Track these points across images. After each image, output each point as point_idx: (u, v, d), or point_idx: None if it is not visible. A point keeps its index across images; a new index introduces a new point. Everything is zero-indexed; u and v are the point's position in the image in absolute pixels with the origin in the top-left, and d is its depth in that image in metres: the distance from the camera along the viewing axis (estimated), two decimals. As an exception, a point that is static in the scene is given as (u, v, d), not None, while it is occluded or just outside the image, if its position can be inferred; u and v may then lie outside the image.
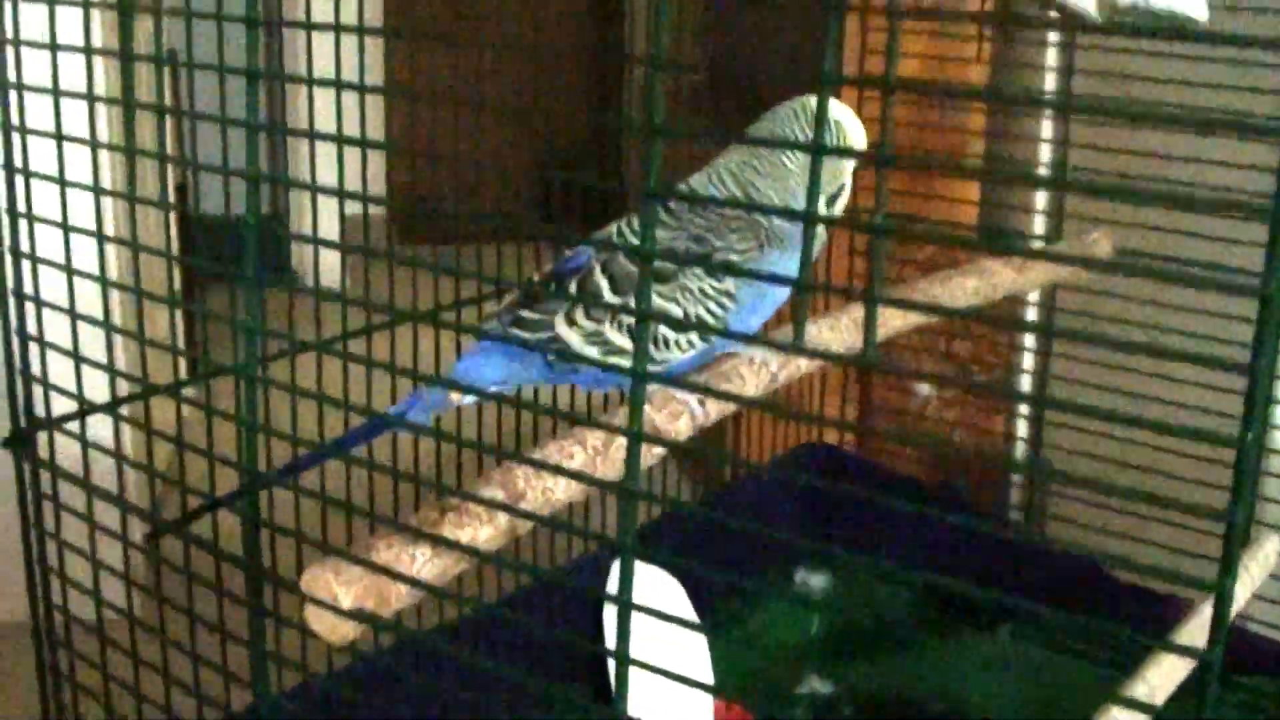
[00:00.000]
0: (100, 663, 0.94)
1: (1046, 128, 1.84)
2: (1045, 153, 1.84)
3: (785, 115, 0.99)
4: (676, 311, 0.94)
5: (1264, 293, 0.44)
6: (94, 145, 0.84)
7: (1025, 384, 1.97)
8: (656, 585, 1.29)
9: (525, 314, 0.96)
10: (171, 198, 2.56)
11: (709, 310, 0.94)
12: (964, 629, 1.38)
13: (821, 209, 0.98)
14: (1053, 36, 1.78)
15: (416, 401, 0.96)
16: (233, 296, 0.84)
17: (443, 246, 1.35)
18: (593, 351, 0.94)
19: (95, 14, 0.86)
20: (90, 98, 0.85)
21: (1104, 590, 1.38)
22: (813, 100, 0.98)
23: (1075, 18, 1.21)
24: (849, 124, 0.98)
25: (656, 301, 0.93)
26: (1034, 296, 1.92)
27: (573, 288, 0.95)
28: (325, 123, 0.99)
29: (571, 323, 0.95)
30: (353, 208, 3.62)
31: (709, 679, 1.26)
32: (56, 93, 0.85)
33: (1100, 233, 1.42)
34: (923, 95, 1.77)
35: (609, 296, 0.94)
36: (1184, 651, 0.47)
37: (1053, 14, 1.59)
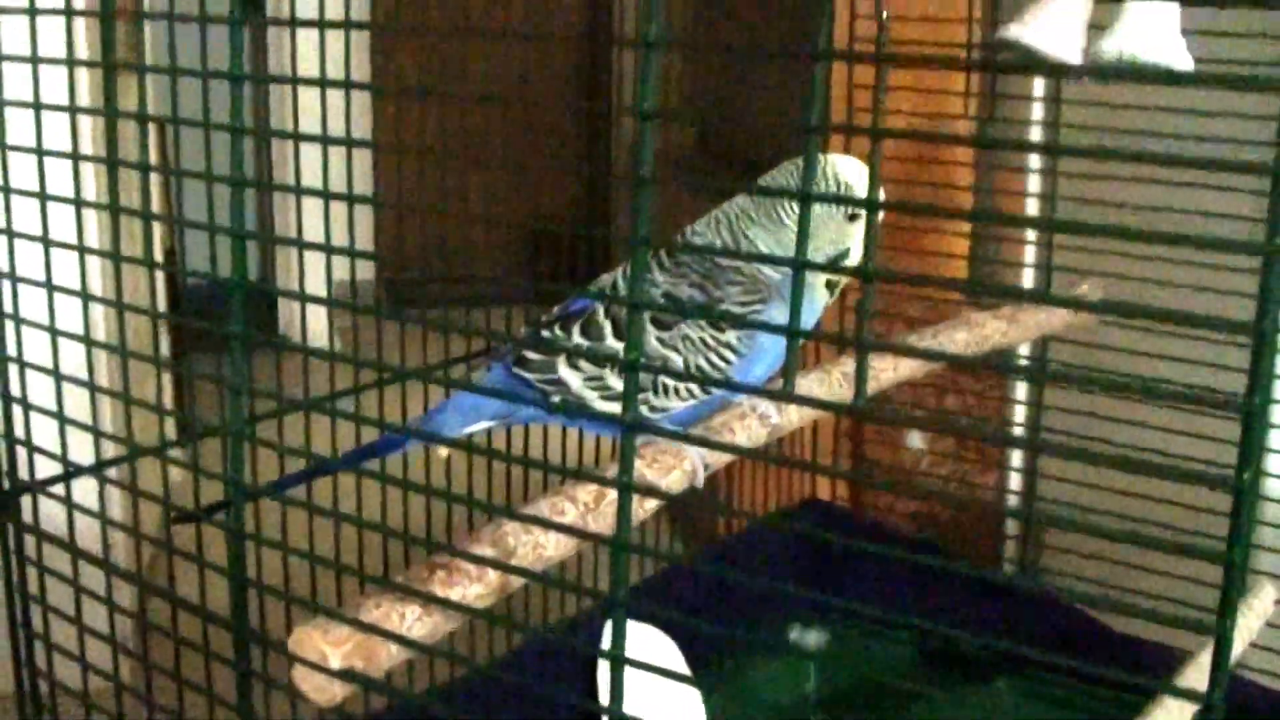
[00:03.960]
0: (85, 723, 0.93)
1: (1034, 182, 1.85)
2: (1033, 207, 1.85)
3: (789, 169, 0.98)
4: (676, 359, 0.93)
5: (1259, 326, 0.44)
6: (78, 203, 0.84)
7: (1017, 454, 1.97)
8: (651, 644, 1.28)
9: (530, 355, 0.96)
10: (159, 256, 2.56)
11: (710, 361, 0.94)
12: (960, 684, 1.37)
13: (824, 279, 0.98)
14: (1038, 90, 1.79)
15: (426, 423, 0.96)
16: (220, 363, 0.84)
17: (431, 310, 1.34)
18: (593, 395, 0.94)
19: (81, 72, 0.86)
20: (75, 156, 0.85)
21: (1100, 643, 1.37)
22: (825, 157, 0.97)
23: (1061, 69, 1.22)
24: (858, 183, 0.96)
25: (657, 349, 0.93)
26: (1024, 351, 1.92)
27: (576, 331, 0.95)
28: (312, 181, 0.99)
29: (573, 367, 0.95)
30: (340, 273, 3.63)
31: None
32: (41, 152, 0.85)
33: (1089, 284, 1.42)
34: (910, 140, 1.77)
35: (611, 341, 0.94)
36: (1186, 695, 0.46)
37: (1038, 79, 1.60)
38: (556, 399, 0.95)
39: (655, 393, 0.94)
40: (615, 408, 0.93)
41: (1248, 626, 1.16)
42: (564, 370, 0.95)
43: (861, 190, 0.96)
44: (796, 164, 0.98)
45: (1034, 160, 1.76)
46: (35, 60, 0.86)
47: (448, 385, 0.85)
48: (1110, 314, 0.42)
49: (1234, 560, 0.43)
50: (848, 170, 0.96)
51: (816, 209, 0.95)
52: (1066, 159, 1.62)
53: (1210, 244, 0.46)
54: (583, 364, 0.95)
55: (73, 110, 0.84)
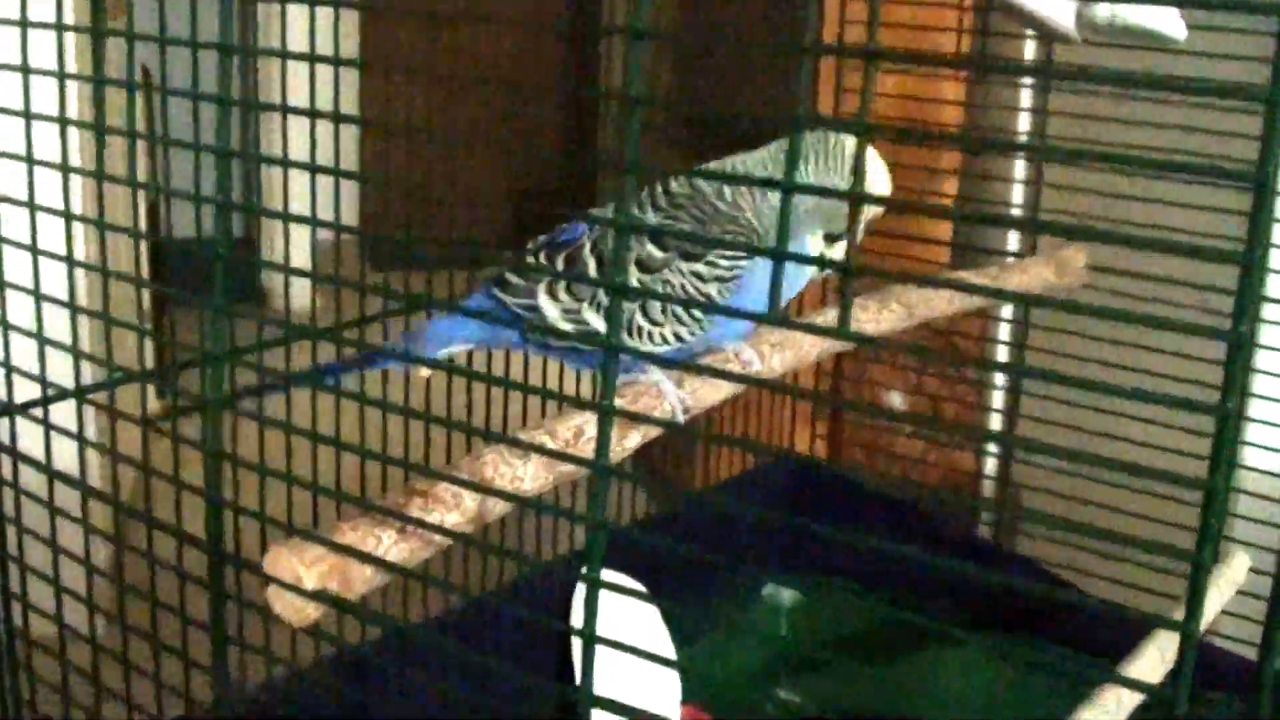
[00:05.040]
0: (58, 646, 0.93)
1: (1019, 169, 1.85)
2: (1018, 194, 1.85)
3: (813, 140, 0.96)
4: (655, 305, 0.93)
5: (1232, 337, 0.44)
6: (63, 122, 0.83)
7: (996, 422, 1.98)
8: (626, 600, 1.28)
9: (510, 278, 0.96)
10: (144, 217, 2.55)
11: (689, 313, 0.93)
12: (934, 640, 1.38)
13: (821, 246, 0.97)
14: (1026, 80, 1.79)
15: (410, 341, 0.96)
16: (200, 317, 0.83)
17: (415, 273, 1.33)
18: (567, 328, 0.93)
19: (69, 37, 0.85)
20: (63, 120, 0.84)
21: (1075, 607, 1.38)
22: (839, 139, 0.96)
23: (1051, 35, 1.22)
24: (874, 172, 0.96)
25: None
26: (1005, 334, 1.93)
27: (559, 262, 0.94)
28: (298, 153, 0.99)
29: (552, 296, 0.94)
30: (325, 233, 3.61)
31: (676, 688, 1.25)
32: (26, 70, 0.84)
33: (1074, 249, 1.42)
34: (897, 135, 1.78)
35: (593, 274, 0.93)
36: (1141, 688, 0.46)
37: (1030, 32, 1.59)
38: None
39: (631, 334, 0.94)
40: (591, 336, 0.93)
41: (1220, 594, 1.16)
42: (543, 299, 0.94)
43: (878, 176, 0.96)
44: (814, 138, 0.96)
45: (1026, 81, 1.77)
46: (25, 25, 0.85)
47: (429, 307, 0.85)
48: (1096, 315, 0.42)
49: (1202, 561, 0.43)
50: (870, 159, 0.95)
51: (831, 180, 0.95)
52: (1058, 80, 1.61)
53: (1188, 251, 0.46)
54: (562, 295, 0.94)
55: (61, 76, 0.84)
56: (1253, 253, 0.43)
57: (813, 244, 0.96)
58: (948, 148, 1.84)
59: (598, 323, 0.93)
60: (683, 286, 0.93)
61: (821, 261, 0.63)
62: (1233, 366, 0.45)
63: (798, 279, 0.98)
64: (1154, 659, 0.98)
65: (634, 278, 0.93)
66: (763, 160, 0.97)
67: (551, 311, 0.94)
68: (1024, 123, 1.85)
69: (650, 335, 0.93)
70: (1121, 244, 0.48)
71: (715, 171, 0.97)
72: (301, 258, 3.08)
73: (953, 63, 1.63)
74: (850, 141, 0.95)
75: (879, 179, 0.96)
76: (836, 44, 1.66)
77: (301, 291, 3.24)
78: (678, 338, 0.94)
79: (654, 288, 0.92)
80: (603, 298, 0.92)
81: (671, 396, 0.91)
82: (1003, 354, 1.93)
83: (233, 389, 0.86)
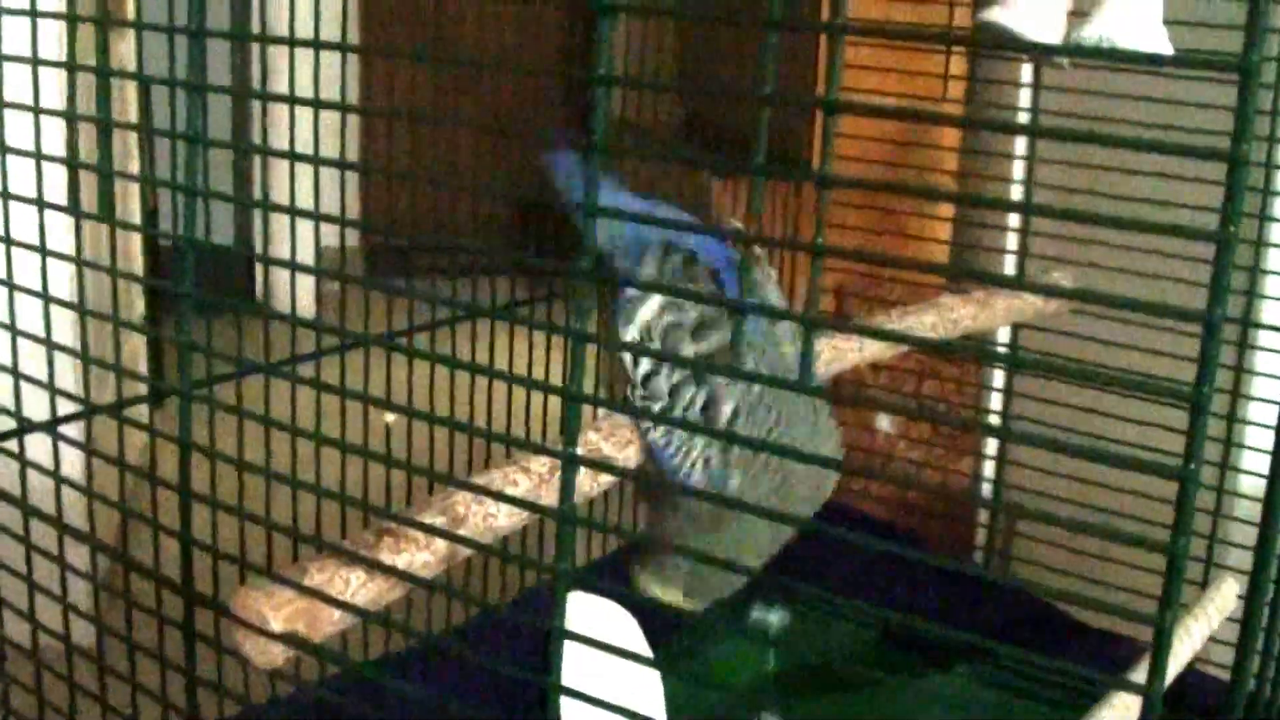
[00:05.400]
0: (35, 687, 0.92)
1: (1017, 169, 1.85)
2: (1016, 192, 1.84)
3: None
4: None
5: (1208, 319, 0.44)
6: (39, 157, 0.83)
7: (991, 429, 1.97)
8: (608, 620, 1.27)
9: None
10: (139, 227, 2.55)
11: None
12: (921, 668, 1.37)
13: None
14: (1026, 75, 1.79)
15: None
16: (210, 326, 0.83)
17: (419, 280, 1.33)
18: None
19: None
20: (69, 115, 0.84)
21: (1063, 631, 1.37)
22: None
23: (1039, 59, 1.22)
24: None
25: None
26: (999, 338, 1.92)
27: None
28: (302, 149, 0.99)
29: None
30: (328, 239, 3.59)
31: (661, 717, 1.24)
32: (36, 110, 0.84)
33: (1062, 272, 1.42)
34: (893, 121, 1.77)
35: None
36: (1127, 687, 0.46)
37: (1021, 58, 1.59)
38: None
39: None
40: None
41: (1209, 621, 1.16)
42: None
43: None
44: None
45: (1020, 146, 1.77)
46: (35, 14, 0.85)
47: (410, 355, 0.84)
48: (1074, 299, 0.42)
49: (1175, 551, 0.43)
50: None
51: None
52: (1048, 146, 1.61)
53: (1166, 230, 0.46)
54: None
55: (70, 66, 0.83)
56: (1225, 229, 0.42)
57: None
58: (938, 123, 1.82)
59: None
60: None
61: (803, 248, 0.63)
62: (1206, 352, 0.44)
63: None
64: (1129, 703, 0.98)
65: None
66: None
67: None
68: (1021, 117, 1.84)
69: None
70: (1109, 225, 0.47)
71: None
72: (306, 263, 3.06)
73: (939, 38, 1.62)
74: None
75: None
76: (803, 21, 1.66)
77: (305, 296, 3.24)
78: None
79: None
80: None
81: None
82: (998, 371, 1.93)
83: (209, 376, 0.86)
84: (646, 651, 1.30)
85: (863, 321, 1.14)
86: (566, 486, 0.56)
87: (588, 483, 0.83)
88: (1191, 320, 0.45)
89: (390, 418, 0.91)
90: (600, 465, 0.65)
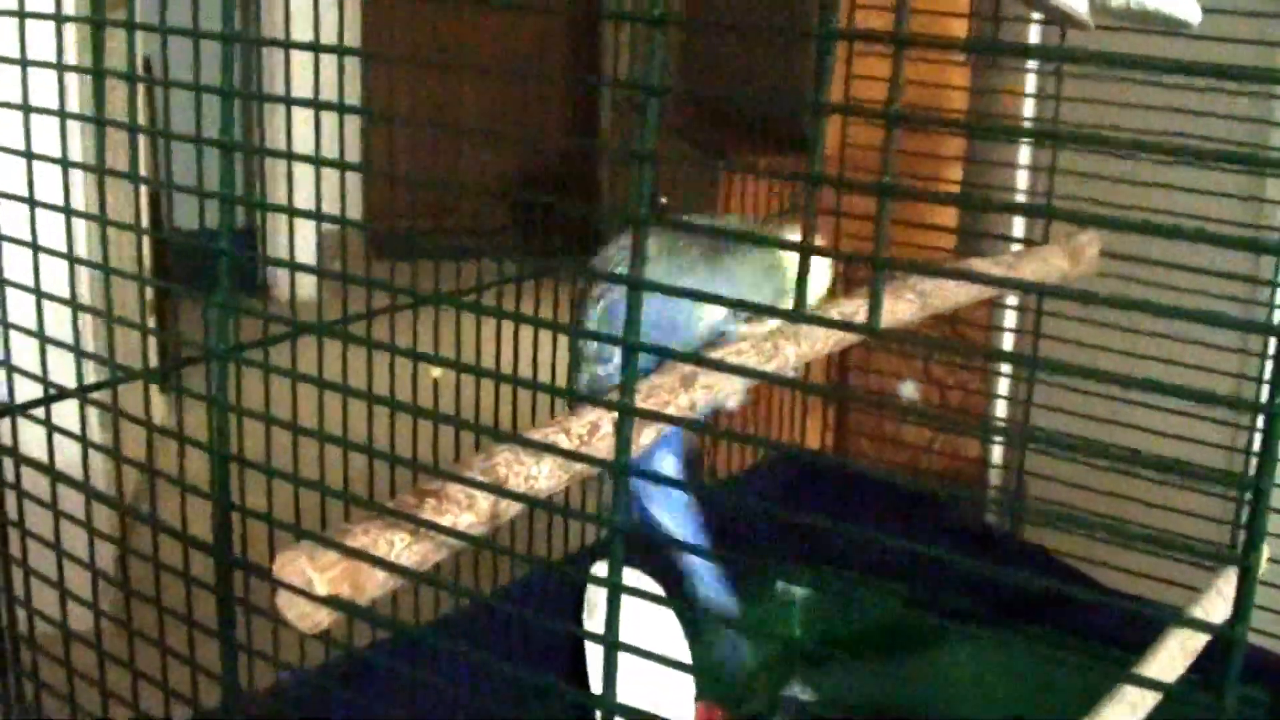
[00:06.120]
0: (64, 657, 0.91)
1: (1024, 154, 1.84)
2: (1023, 179, 1.83)
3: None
4: None
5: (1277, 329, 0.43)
6: (65, 164, 0.82)
7: (1002, 410, 1.96)
8: (637, 587, 1.27)
9: None
10: (146, 209, 2.53)
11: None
12: (947, 633, 1.36)
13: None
14: (1031, 63, 1.78)
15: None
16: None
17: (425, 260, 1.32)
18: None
19: (69, 28, 0.84)
20: (62, 114, 0.83)
21: (1094, 599, 1.36)
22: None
23: (1065, 19, 1.20)
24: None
25: None
26: (1011, 322, 1.91)
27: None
28: (302, 142, 0.98)
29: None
30: (328, 227, 3.57)
31: (690, 686, 1.23)
32: (25, 62, 0.83)
33: (1088, 236, 1.41)
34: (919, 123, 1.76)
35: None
36: (1205, 627, 0.45)
37: (1035, 15, 1.58)
38: None
39: None
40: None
41: (1216, 611, 1.14)
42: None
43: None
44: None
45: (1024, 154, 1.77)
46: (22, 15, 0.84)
47: (437, 301, 0.83)
48: (1112, 227, 0.41)
49: (1262, 486, 0.42)
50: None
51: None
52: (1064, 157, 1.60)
53: (1228, 243, 0.45)
54: None
55: (60, 68, 0.82)
56: None
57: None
58: (959, 134, 1.82)
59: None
60: None
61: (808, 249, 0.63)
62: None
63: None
64: (1174, 652, 0.96)
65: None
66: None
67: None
68: (1029, 108, 1.83)
69: None
70: (1156, 234, 0.46)
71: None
72: (306, 248, 3.04)
73: (970, 46, 1.61)
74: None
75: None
76: (858, 30, 1.65)
77: (307, 281, 3.22)
78: None
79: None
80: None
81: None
82: (1008, 341, 1.92)
83: (238, 343, 0.85)
84: (675, 625, 1.29)
85: (898, 287, 1.13)
86: (622, 437, 0.55)
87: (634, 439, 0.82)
88: (1257, 333, 0.44)
89: (437, 372, 0.90)
90: (655, 415, 0.64)
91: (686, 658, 1.25)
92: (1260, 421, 0.45)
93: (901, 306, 1.11)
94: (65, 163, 0.83)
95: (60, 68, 0.83)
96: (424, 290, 1.26)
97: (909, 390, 1.99)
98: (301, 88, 0.96)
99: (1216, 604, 1.10)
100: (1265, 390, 0.44)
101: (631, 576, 1.27)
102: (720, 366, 0.79)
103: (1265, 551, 1.15)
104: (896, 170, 0.49)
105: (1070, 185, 1.54)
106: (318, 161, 0.71)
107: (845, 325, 0.44)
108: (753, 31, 2.25)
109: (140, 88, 0.79)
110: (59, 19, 0.82)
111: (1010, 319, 1.96)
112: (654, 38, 0.51)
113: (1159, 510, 1.34)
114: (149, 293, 2.56)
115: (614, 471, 0.55)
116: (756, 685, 1.40)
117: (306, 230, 3.30)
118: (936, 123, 0.79)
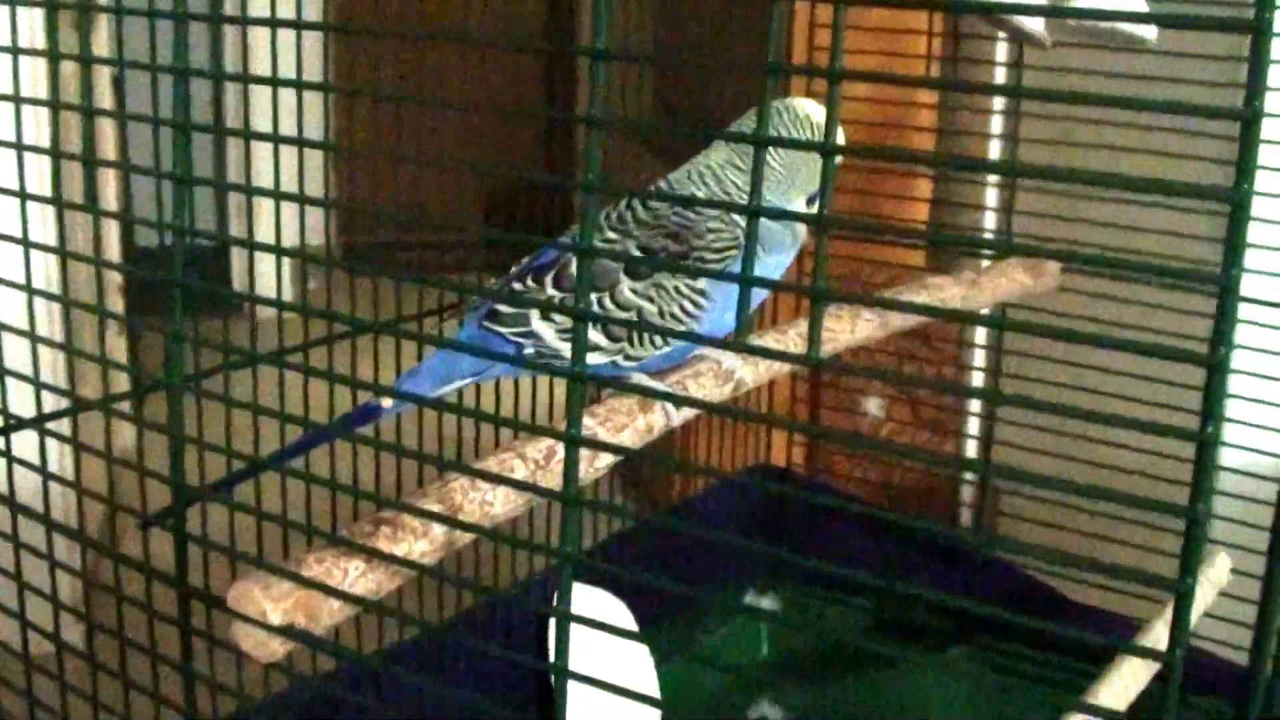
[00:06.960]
0: (26, 688, 0.91)
1: (996, 123, 1.85)
2: (995, 148, 1.84)
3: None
4: (651, 309, 0.92)
5: (1224, 282, 0.43)
6: (19, 147, 0.82)
7: (973, 408, 1.97)
8: (601, 609, 1.27)
9: (501, 309, 0.95)
10: (115, 224, 2.53)
11: (683, 308, 0.93)
12: (915, 650, 1.37)
13: (801, 207, 0.97)
14: (1000, 55, 1.79)
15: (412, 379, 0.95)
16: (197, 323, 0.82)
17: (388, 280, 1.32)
18: (566, 347, 0.92)
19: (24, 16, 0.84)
20: (16, 99, 0.83)
21: (1058, 611, 1.37)
22: (794, 101, 0.97)
23: (1024, 39, 1.21)
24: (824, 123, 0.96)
25: (630, 298, 0.92)
26: (981, 338, 1.92)
27: (549, 283, 0.94)
28: (269, 161, 0.97)
29: (547, 319, 0.93)
30: (312, 238, 3.55)
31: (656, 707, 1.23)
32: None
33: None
34: (870, 83, 1.76)
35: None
36: (1146, 654, 0.45)
37: (1001, 34, 1.59)
38: (530, 351, 0.94)
39: (632, 343, 0.93)
40: (594, 358, 0.92)
41: (1203, 596, 1.15)
42: (537, 323, 0.94)
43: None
44: (774, 108, 0.96)
45: (998, 102, 1.77)
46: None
47: (420, 340, 0.84)
48: (1070, 260, 0.41)
49: (1195, 515, 0.42)
50: (816, 111, 0.96)
51: (797, 152, 0.95)
52: (1029, 102, 1.61)
53: (1180, 189, 0.46)
54: (556, 316, 0.93)
55: (15, 51, 0.82)
56: (1239, 188, 0.42)
57: (797, 207, 0.97)
58: (918, 162, 1.83)
59: (597, 336, 0.93)
60: (675, 288, 0.93)
61: (805, 217, 0.63)
62: (1211, 390, 0.44)
63: (785, 261, 0.98)
64: (1136, 666, 0.97)
65: (625, 285, 0.92)
66: (726, 157, 0.97)
67: (549, 335, 0.93)
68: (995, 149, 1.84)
69: (651, 340, 0.93)
70: (1104, 267, 0.47)
71: (675, 198, 0.96)
72: (271, 269, 3.04)
73: (924, 82, 1.63)
74: (806, 106, 0.95)
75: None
76: (795, 65, 1.66)
77: (288, 299, 3.22)
78: (664, 342, 0.94)
79: (646, 294, 0.92)
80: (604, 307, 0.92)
81: (662, 400, 0.90)
82: (979, 356, 1.93)
83: (197, 370, 0.85)
84: (641, 641, 1.29)
85: (856, 308, 1.14)
86: (570, 468, 0.56)
87: (584, 467, 0.82)
88: (1205, 282, 0.44)
89: (387, 403, 0.90)
90: (601, 445, 0.64)
91: (653, 680, 1.25)
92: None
93: (862, 326, 1.11)
94: (23, 195, 0.83)
95: (17, 100, 0.83)
96: (394, 310, 1.27)
97: (874, 408, 2.00)
98: (267, 117, 0.96)
99: (1198, 593, 1.11)
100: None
101: (603, 600, 1.27)
102: (676, 399, 0.79)
103: (1226, 564, 1.16)
104: (832, 205, 0.50)
105: (1030, 225, 1.56)
106: (277, 196, 0.71)
107: (783, 356, 0.45)
108: (696, 63, 2.27)
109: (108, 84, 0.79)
110: (15, 51, 0.83)
111: (980, 334, 1.97)
112: (594, 71, 0.52)
113: (1137, 522, 1.34)
114: (120, 306, 2.56)
115: (563, 500, 0.55)
116: (723, 703, 1.40)
117: (287, 245, 3.29)
118: (879, 154, 0.80)
